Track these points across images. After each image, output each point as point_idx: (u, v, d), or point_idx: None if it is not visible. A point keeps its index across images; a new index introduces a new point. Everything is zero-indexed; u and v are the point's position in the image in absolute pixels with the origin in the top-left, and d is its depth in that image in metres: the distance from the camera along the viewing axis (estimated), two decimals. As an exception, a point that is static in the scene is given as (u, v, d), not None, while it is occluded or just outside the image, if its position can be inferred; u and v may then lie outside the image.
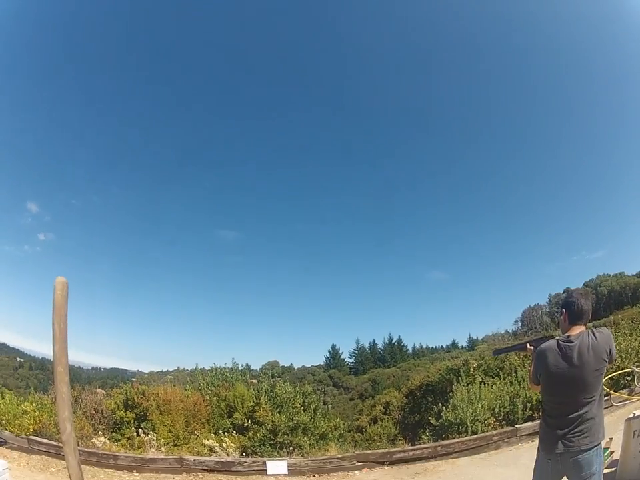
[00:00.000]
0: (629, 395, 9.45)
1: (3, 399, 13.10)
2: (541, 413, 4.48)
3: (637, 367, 9.14)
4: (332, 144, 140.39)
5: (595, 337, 4.00)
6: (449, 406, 13.17)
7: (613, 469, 6.87)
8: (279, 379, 16.00)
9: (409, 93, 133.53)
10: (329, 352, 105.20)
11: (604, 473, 6.38)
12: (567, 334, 4.16)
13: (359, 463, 10.34)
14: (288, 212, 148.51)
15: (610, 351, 4.03)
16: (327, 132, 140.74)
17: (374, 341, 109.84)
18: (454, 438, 11.75)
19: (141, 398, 12.83)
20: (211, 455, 10.89)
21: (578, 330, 4.11)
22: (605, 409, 10.68)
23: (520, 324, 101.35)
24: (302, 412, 12.91)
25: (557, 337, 4.22)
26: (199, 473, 9.86)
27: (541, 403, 4.54)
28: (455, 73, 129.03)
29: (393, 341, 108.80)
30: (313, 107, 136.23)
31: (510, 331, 72.55)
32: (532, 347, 4.59)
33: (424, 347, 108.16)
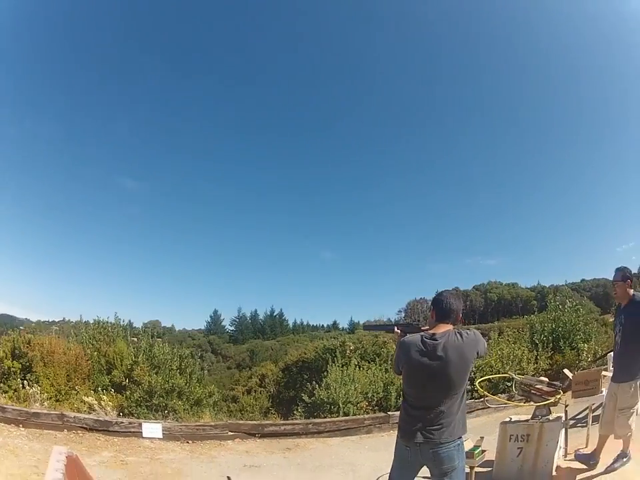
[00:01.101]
0: (507, 399, 9.91)
1: None
2: (402, 403, 4.50)
3: (517, 374, 9.60)
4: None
5: (461, 338, 4.08)
6: (323, 385, 13.46)
7: (489, 469, 7.25)
8: (159, 339, 15.83)
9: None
10: (211, 317, 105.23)
11: (477, 472, 6.74)
12: (432, 331, 4.21)
13: (231, 433, 10.38)
14: (190, 169, 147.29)
15: (477, 352, 4.15)
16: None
17: (256, 311, 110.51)
18: (325, 417, 12.03)
19: (27, 347, 12.41)
20: (90, 413, 10.70)
21: (444, 328, 4.17)
22: (482, 409, 11.24)
23: (403, 314, 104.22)
24: (178, 375, 12.83)
25: (422, 333, 4.25)
26: (79, 431, 9.63)
27: (403, 394, 4.55)
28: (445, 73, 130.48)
29: (275, 314, 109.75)
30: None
31: (392, 320, 74.07)
32: (399, 331, 4.65)
33: (305, 323, 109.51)
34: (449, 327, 4.20)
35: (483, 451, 6.79)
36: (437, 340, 4.05)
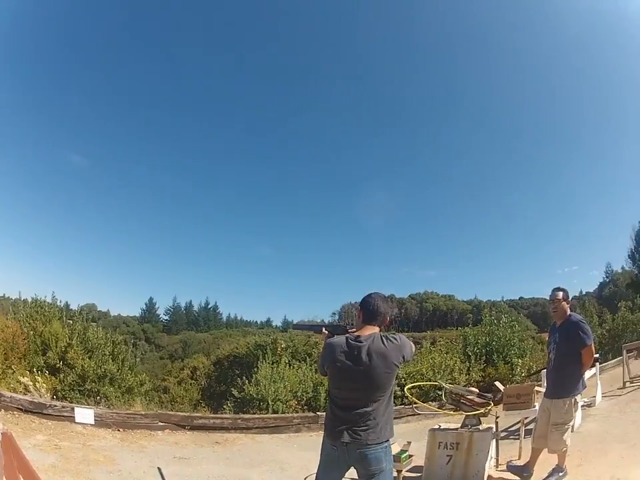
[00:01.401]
0: (438, 408, 10.13)
1: None
2: (327, 402, 4.51)
3: (449, 384, 9.91)
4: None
5: (386, 343, 4.11)
6: (252, 380, 13.65)
7: (418, 475, 7.41)
8: (93, 323, 15.77)
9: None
10: (146, 305, 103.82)
11: (406, 477, 7.00)
12: (357, 333, 4.25)
13: (162, 423, 10.41)
14: (138, 153, 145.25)
15: (403, 357, 4.17)
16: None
17: (191, 302, 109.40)
18: (255, 413, 12.21)
19: (-39, 323, 12.24)
20: (25, 394, 10.63)
21: (370, 331, 4.21)
22: (412, 415, 11.54)
23: (337, 317, 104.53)
24: (111, 361, 12.85)
25: (347, 335, 4.28)
26: (15, 412, 9.50)
27: (329, 394, 4.53)
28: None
29: (210, 306, 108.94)
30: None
31: (326, 321, 74.27)
32: (326, 332, 4.71)
33: (239, 318, 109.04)
34: (375, 329, 4.26)
35: (410, 456, 6.95)
36: (361, 342, 4.10)
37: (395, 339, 4.21)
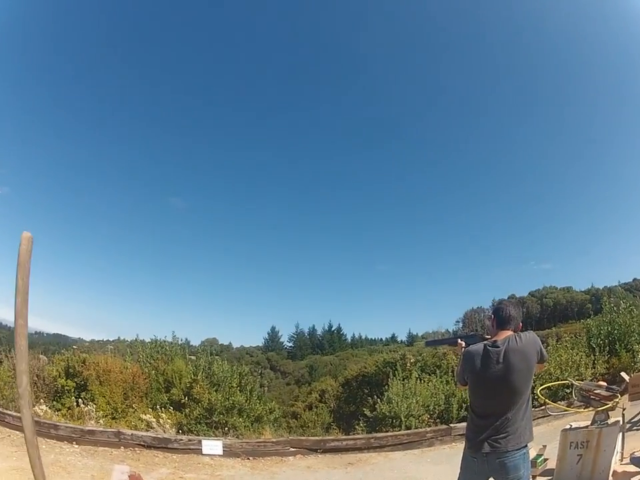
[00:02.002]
0: (567, 406, 9.62)
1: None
2: (468, 414, 4.52)
3: (576, 380, 9.31)
4: (288, 132, 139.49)
5: (521, 340, 4.08)
6: (384, 399, 13.25)
7: (549, 478, 7.02)
8: (217, 357, 15.87)
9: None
10: (268, 334, 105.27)
11: None
12: (493, 339, 4.22)
13: (293, 449, 10.34)
14: (237, 189, 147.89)
15: (539, 351, 4.13)
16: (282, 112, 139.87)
17: (314, 326, 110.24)
18: (387, 431, 11.85)
19: (82, 366, 12.53)
20: (148, 431, 10.75)
21: (505, 335, 4.18)
22: (542, 417, 10.93)
23: (461, 325, 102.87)
24: (238, 392, 12.85)
25: (485, 342, 4.25)
26: (136, 448, 9.72)
27: (469, 404, 4.55)
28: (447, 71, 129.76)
29: (333, 329, 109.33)
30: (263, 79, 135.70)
31: (450, 331, 73.48)
32: (462, 343, 4.66)
33: (363, 337, 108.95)
34: (509, 333, 4.20)
35: (545, 460, 6.86)
36: (498, 347, 4.06)
37: (527, 335, 4.19)
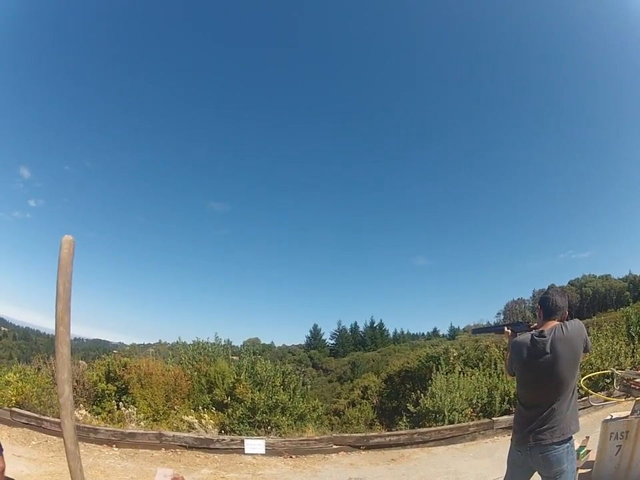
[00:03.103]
0: (607, 397, 9.51)
1: (-16, 369, 12.67)
2: (515, 406, 4.60)
3: (617, 369, 9.17)
4: (329, 133, 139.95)
5: (567, 328, 4.07)
6: (428, 393, 13.18)
7: (589, 470, 6.95)
8: (259, 356, 15.96)
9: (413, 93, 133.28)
10: (310, 332, 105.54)
11: (580, 474, 6.47)
12: (540, 328, 4.22)
13: (336, 446, 10.38)
14: (277, 188, 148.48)
15: (584, 340, 4.11)
16: (326, 118, 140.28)
17: (355, 323, 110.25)
18: (430, 426, 11.79)
19: (123, 370, 12.77)
20: (189, 432, 10.86)
21: (551, 324, 4.18)
22: (583, 409, 10.83)
23: (502, 316, 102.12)
24: (281, 391, 12.89)
25: (532, 332, 4.25)
26: (177, 450, 9.85)
27: (517, 395, 4.57)
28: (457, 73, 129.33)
29: (375, 325, 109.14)
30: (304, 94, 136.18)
31: (492, 323, 72.79)
32: (509, 331, 4.73)
33: (405, 332, 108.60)
34: (556, 322, 4.20)
35: (588, 451, 6.67)
36: (545, 336, 4.07)
37: (573, 323, 4.19)
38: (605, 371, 10.55)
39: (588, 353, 4.23)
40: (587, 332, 4.23)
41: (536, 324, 4.47)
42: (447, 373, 14.15)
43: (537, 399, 4.11)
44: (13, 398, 11.28)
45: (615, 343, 14.02)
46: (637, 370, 8.07)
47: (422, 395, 13.34)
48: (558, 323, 4.19)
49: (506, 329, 4.81)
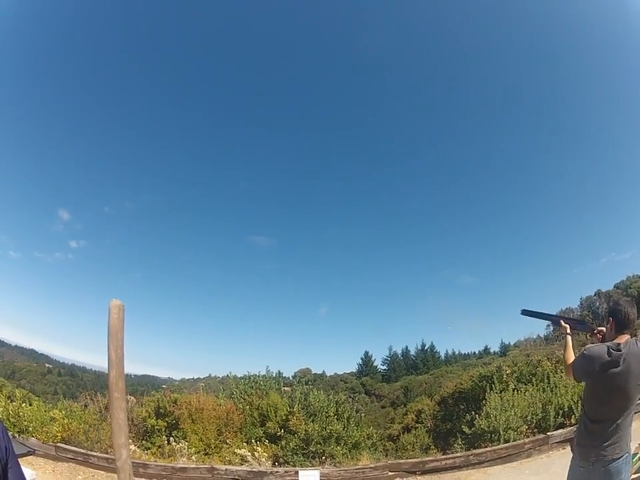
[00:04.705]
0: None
1: (30, 405, 12.87)
2: (580, 418, 4.48)
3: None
4: (353, 155, 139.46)
5: None
6: (482, 414, 13.06)
7: (639, 475, 6.86)
8: (312, 386, 15.98)
9: (421, 93, 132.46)
10: (361, 359, 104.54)
11: (631, 479, 6.40)
12: (616, 341, 4.12)
13: (392, 473, 10.35)
14: (318, 218, 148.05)
15: None
16: (350, 144, 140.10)
17: (406, 347, 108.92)
18: (486, 446, 11.69)
19: (173, 406, 12.96)
20: (242, 465, 10.92)
21: (624, 338, 4.10)
22: (636, 413, 10.69)
23: (552, 328, 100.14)
24: (335, 421, 12.90)
25: (608, 344, 4.15)
26: (231, 484, 9.91)
27: (582, 408, 4.51)
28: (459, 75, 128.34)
29: (426, 347, 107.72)
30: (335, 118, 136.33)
31: (542, 336, 71.52)
32: (567, 326, 4.69)
33: (456, 352, 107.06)
34: (628, 336, 4.16)
35: None
36: (620, 350, 4.02)
37: None
38: None
39: None
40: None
41: (601, 328, 4.46)
42: (500, 392, 13.99)
43: (604, 414, 4.08)
44: (58, 434, 11.51)
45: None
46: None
47: (476, 415, 13.23)
48: (630, 337, 4.14)
49: (563, 322, 4.78)
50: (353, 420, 13.97)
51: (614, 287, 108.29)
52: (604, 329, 4.44)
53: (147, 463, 10.60)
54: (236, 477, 10.07)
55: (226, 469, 10.29)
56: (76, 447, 11.28)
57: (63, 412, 12.33)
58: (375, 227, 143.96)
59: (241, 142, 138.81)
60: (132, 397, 15.21)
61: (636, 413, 10.49)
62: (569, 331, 4.66)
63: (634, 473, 6.45)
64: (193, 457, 11.59)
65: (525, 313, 5.55)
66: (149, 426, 12.71)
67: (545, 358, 17.29)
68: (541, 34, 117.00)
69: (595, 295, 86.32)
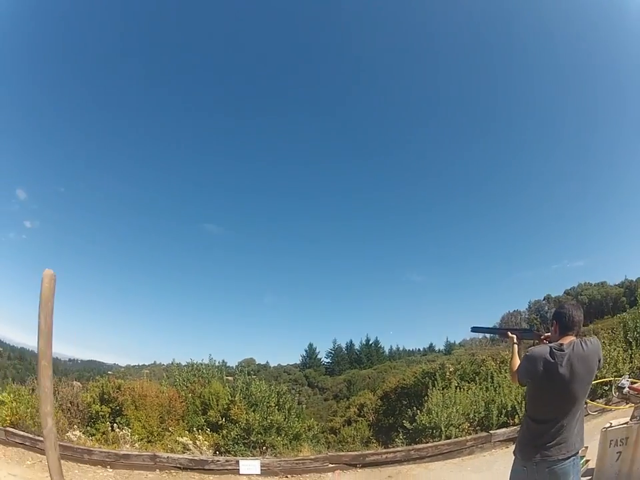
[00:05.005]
0: (605, 404, 9.48)
1: (-21, 389, 12.54)
2: (523, 418, 4.49)
3: (615, 377, 9.15)
4: (315, 143, 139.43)
5: (587, 345, 4.00)
6: (424, 410, 13.12)
7: (589, 478, 6.94)
8: (254, 377, 15.86)
9: (404, 90, 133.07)
10: (306, 351, 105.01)
11: None
12: (559, 342, 4.11)
13: (332, 465, 10.31)
14: (269, 208, 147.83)
15: (599, 360, 4.05)
16: (314, 132, 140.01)
17: (351, 341, 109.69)
18: (427, 442, 11.72)
19: (117, 392, 12.69)
20: (184, 453, 10.83)
21: (568, 339, 4.09)
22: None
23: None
24: (276, 411, 12.83)
25: (551, 344, 4.15)
26: (172, 471, 9.79)
27: (525, 408, 4.52)
28: (453, 72, 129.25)
29: (370, 342, 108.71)
30: (306, 107, 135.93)
31: (488, 336, 72.88)
32: (514, 336, 4.68)
33: (401, 349, 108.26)
34: (573, 337, 4.13)
35: (587, 461, 6.78)
36: (564, 350, 3.99)
37: (592, 341, 4.14)
38: (604, 379, 10.53)
39: (598, 370, 4.18)
40: None
41: (547, 334, 4.46)
42: (443, 389, 14.11)
43: (547, 414, 4.06)
44: (7, 418, 11.25)
45: (612, 349, 14.00)
46: (635, 376, 8.05)
47: (418, 411, 13.27)
48: (575, 338, 4.13)
49: (510, 333, 4.77)
50: (294, 411, 13.93)
51: (564, 292, 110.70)
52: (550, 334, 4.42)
53: (92, 449, 10.45)
54: (178, 465, 9.98)
55: (168, 457, 10.18)
56: (24, 431, 11.03)
57: (12, 395, 11.99)
58: (327, 221, 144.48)
59: (199, 126, 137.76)
60: (77, 382, 14.96)
61: (586, 415, 10.70)
62: (515, 340, 4.66)
63: (581, 476, 6.52)
64: (136, 444, 11.45)
65: (475, 330, 5.60)
66: (94, 412, 12.49)
67: (490, 358, 17.51)
68: (541, 34, 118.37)
69: (544, 300, 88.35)
